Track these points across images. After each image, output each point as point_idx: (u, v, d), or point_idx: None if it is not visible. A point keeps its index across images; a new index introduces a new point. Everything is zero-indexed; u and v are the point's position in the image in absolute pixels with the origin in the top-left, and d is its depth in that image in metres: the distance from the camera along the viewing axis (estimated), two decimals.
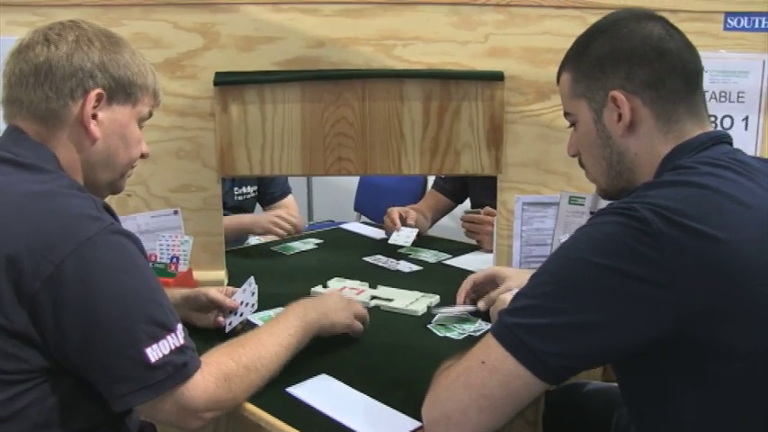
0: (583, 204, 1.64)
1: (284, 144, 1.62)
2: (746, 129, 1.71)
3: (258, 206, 2.48)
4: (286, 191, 2.43)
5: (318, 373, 1.21)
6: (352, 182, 3.44)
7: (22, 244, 0.89)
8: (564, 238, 1.60)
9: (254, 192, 2.38)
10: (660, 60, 0.99)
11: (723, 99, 1.69)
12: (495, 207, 1.96)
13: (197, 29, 1.57)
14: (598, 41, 1.04)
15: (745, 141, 1.71)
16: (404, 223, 2.14)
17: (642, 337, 0.86)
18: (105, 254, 0.93)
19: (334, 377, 1.20)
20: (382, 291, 1.62)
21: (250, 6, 1.57)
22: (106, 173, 1.10)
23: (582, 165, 1.11)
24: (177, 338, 0.96)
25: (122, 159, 1.11)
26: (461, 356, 0.98)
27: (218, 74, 1.57)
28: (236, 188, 2.32)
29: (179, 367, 0.95)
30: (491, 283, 1.48)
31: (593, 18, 1.62)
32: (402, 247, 2.06)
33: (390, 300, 1.56)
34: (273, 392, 1.14)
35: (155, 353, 0.92)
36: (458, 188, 2.38)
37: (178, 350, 0.95)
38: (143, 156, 1.17)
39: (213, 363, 1.03)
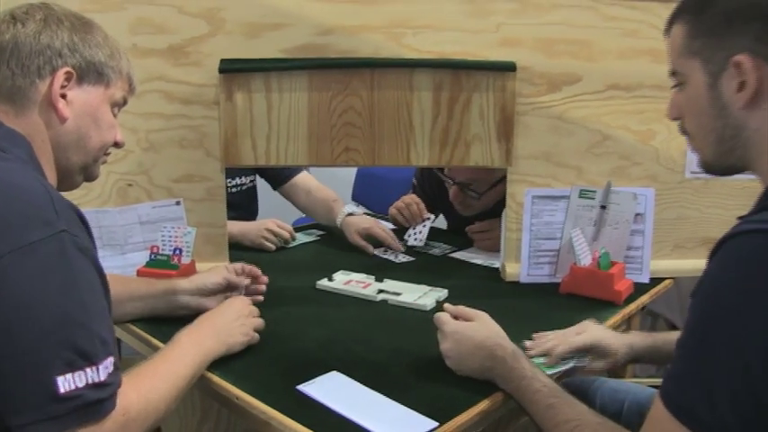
0: (594, 198, 1.61)
1: (290, 134, 1.58)
2: None
3: (256, 202, 2.35)
4: (296, 168, 2.23)
5: (329, 370, 1.18)
6: (350, 172, 3.40)
7: None
8: (574, 232, 1.58)
9: (251, 182, 2.26)
10: None
11: None
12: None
13: (202, 14, 1.53)
14: None
15: None
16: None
17: None
18: (44, 264, 0.82)
19: (345, 374, 1.17)
20: (389, 284, 1.59)
21: None
22: (78, 155, 1.06)
23: (683, 131, 0.97)
24: (98, 374, 0.83)
25: (94, 142, 1.07)
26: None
27: (223, 61, 1.53)
28: (228, 180, 2.10)
29: (90, 404, 0.83)
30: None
31: (606, 9, 1.62)
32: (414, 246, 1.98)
33: (398, 294, 1.53)
34: (283, 390, 1.12)
35: (67, 383, 0.80)
36: (425, 201, 2.13)
37: (95, 386, 0.83)
38: (117, 144, 1.13)
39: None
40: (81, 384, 0.81)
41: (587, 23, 1.61)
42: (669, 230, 1.69)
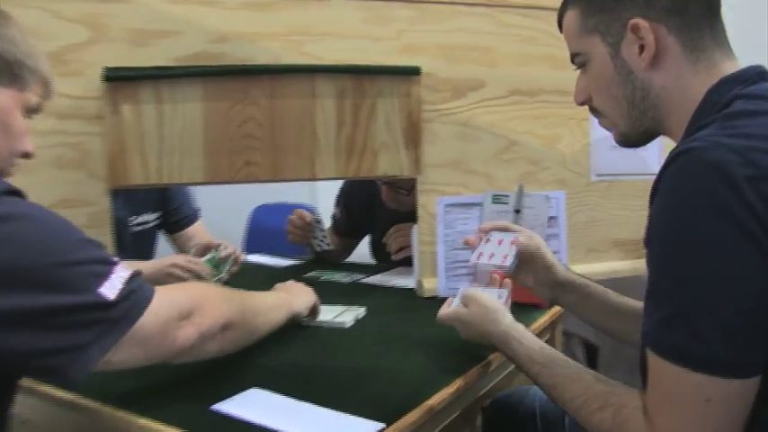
0: (507, 203, 1.57)
1: (185, 148, 1.45)
2: None
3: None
4: (196, 215, 2.11)
5: (247, 387, 1.04)
6: (240, 224, 3.25)
7: None
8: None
9: (157, 219, 2.03)
10: None
11: None
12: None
13: (81, 19, 1.39)
14: None
15: None
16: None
17: None
18: (15, 208, 0.81)
19: (267, 389, 1.03)
20: None
21: None
22: None
23: (594, 111, 0.99)
24: (124, 270, 0.86)
25: (2, 150, 0.94)
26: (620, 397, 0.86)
27: (108, 69, 1.39)
28: (133, 217, 1.91)
29: (137, 290, 0.86)
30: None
31: (503, 16, 1.63)
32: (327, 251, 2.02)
33: None
34: (195, 412, 0.97)
35: (110, 290, 0.82)
36: (351, 226, 2.20)
37: (130, 279, 0.86)
38: (27, 155, 0.99)
39: None
40: (120, 285, 0.84)
41: (485, 30, 1.61)
42: (581, 234, 1.67)
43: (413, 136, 1.55)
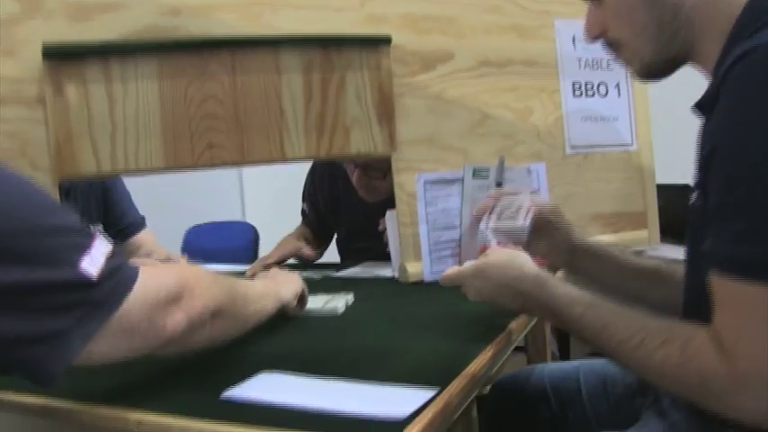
0: (488, 177, 1.49)
1: (140, 131, 1.30)
2: (619, 95, 1.70)
3: None
4: (142, 222, 1.94)
5: (256, 372, 0.90)
6: (174, 248, 3.05)
7: None
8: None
9: (98, 230, 1.86)
10: None
11: (596, 67, 1.68)
12: (365, 244, 1.81)
13: None
14: None
15: (620, 107, 1.70)
16: None
17: None
18: None
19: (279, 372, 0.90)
20: None
21: None
22: None
23: (611, 45, 0.93)
24: (103, 242, 0.73)
25: None
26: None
27: (48, 45, 1.23)
28: None
29: (121, 268, 0.74)
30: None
31: None
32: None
33: None
34: (206, 402, 0.82)
35: (92, 266, 0.70)
36: (319, 223, 2.09)
37: (112, 255, 0.73)
38: None
39: None
40: (102, 260, 0.71)
41: None
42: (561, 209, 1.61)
43: (385, 110, 1.46)
